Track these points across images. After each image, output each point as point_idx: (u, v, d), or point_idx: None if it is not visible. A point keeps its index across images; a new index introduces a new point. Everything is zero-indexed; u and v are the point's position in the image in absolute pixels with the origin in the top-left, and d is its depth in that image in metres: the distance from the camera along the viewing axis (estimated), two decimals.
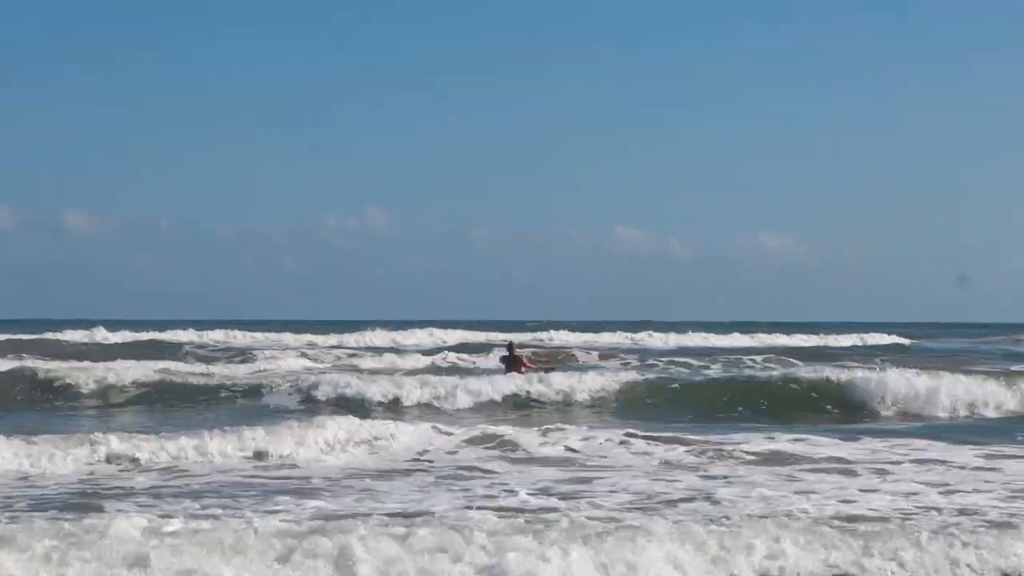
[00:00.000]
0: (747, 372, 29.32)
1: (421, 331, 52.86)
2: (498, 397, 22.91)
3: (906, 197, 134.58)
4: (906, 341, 53.94)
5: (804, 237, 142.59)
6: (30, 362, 32.74)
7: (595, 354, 41.10)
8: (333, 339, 48.08)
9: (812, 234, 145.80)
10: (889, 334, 58.16)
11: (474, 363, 37.42)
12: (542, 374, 24.78)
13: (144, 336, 45.07)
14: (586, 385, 23.84)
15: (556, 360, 37.03)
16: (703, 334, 57.81)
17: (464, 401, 22.49)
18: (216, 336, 47.97)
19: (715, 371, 30.00)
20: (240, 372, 28.22)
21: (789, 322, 78.10)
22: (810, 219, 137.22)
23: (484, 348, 39.45)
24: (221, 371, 27.91)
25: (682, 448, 15.50)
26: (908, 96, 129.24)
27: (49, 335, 44.40)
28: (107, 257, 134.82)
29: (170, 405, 23.04)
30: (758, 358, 37.61)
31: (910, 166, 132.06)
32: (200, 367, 29.07)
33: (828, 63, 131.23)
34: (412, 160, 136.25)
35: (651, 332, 60.91)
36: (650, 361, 36.42)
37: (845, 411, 22.15)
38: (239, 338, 48.40)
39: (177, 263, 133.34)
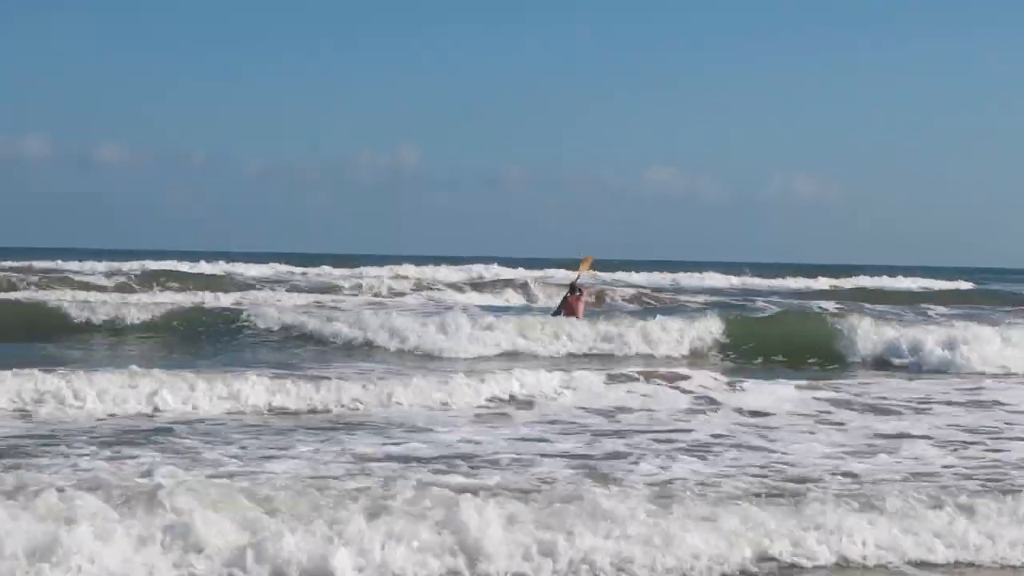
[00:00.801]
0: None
1: (483, 267, 51.23)
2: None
3: (945, 144, 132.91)
4: (968, 285, 52.27)
5: (835, 178, 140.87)
6: (71, 294, 30.98)
7: (664, 295, 39.62)
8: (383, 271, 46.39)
9: (844, 176, 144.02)
10: (949, 279, 56.46)
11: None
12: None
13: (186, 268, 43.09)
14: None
15: (602, 302, 35.49)
16: (751, 276, 56.37)
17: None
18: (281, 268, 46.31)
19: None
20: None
21: (823, 264, 76.52)
22: (844, 160, 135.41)
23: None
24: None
25: None
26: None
27: (80, 265, 42.56)
28: (138, 188, 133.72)
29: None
30: (827, 303, 35.69)
31: (951, 114, 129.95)
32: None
33: (876, 5, 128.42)
34: (445, 98, 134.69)
35: (688, 272, 59.67)
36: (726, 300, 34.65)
37: None
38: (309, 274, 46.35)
39: (207, 197, 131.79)
